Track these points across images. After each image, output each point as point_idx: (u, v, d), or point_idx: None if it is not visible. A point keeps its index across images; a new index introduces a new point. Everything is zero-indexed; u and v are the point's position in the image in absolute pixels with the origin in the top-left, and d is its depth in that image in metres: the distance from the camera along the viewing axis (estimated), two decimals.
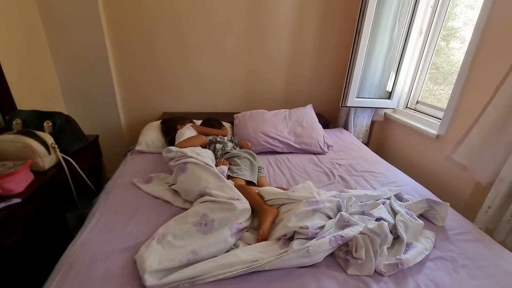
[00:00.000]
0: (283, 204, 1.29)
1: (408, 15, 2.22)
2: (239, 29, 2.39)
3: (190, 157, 1.49)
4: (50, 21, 2.03)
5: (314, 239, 1.07)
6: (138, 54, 2.36)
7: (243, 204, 1.25)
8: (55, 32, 2.07)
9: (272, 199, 1.30)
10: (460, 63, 2.25)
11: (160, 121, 2.14)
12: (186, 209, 1.34)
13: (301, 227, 1.10)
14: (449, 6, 2.12)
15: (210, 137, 1.89)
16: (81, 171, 1.64)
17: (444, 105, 2.27)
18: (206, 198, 1.29)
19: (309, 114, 2.34)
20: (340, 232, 1.07)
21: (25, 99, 1.82)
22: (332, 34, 2.53)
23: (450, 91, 2.38)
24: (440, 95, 2.42)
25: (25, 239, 1.24)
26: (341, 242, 1.04)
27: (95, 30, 2.11)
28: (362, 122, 2.63)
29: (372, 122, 2.70)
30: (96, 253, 1.05)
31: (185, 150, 1.54)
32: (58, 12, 2.01)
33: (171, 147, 1.60)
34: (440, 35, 2.20)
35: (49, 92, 2.15)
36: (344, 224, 1.16)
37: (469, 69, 1.75)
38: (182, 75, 2.48)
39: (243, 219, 1.20)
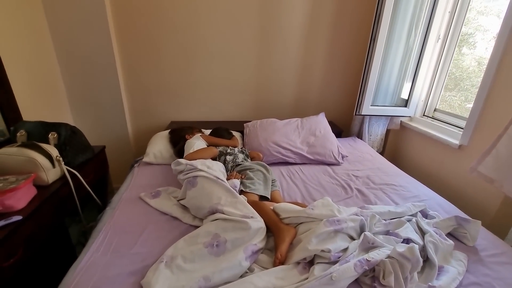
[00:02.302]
0: (301, 223, 1.19)
1: (425, 20, 2.14)
2: (249, 36, 2.34)
3: (201, 170, 1.41)
4: (58, 30, 2.00)
5: (337, 263, 0.97)
6: (146, 63, 2.31)
7: (258, 223, 1.16)
8: (62, 41, 2.04)
9: (289, 217, 1.21)
10: (470, 69, 2.19)
11: (168, 131, 2.07)
12: (196, 227, 1.26)
13: (322, 250, 1.00)
14: (467, 12, 2.03)
15: (220, 148, 1.81)
16: (86, 185, 1.58)
17: (457, 111, 2.19)
18: (217, 215, 1.20)
19: (322, 123, 2.25)
20: (366, 256, 0.97)
21: (31, 109, 1.78)
22: (344, 40, 2.46)
23: (463, 98, 2.31)
24: (453, 101, 2.33)
25: (27, 259, 1.17)
26: (367, 268, 0.94)
27: (103, 39, 2.07)
28: (377, 130, 2.53)
29: (387, 131, 2.60)
30: (100, 278, 0.97)
31: (195, 162, 1.47)
32: (65, 20, 1.98)
33: (180, 160, 1.52)
34: (459, 40, 2.11)
35: (56, 102, 2.11)
36: (369, 246, 1.06)
37: (494, 75, 1.64)
38: (190, 83, 2.43)
39: (258, 240, 1.11)
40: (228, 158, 1.74)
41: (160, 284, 0.91)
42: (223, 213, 1.21)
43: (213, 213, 1.24)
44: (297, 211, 1.21)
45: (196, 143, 1.75)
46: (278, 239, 1.13)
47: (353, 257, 1.00)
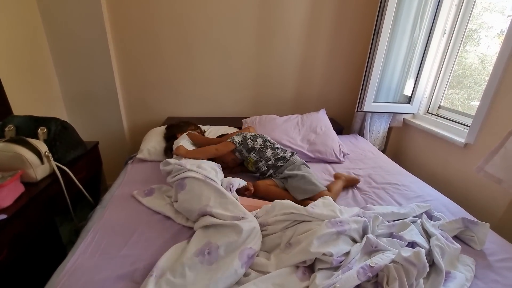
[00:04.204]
0: (301, 222, 1.13)
1: (430, 13, 2.06)
2: (248, 30, 2.26)
3: (189, 170, 1.34)
4: (51, 22, 1.93)
5: (340, 271, 0.91)
6: (142, 57, 2.24)
7: (250, 223, 1.09)
8: (56, 33, 1.97)
9: (291, 213, 1.15)
10: (473, 66, 2.13)
11: (165, 126, 2.01)
12: (190, 227, 1.20)
13: (324, 254, 0.94)
14: (474, 6, 1.97)
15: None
16: (77, 181, 1.52)
17: (459, 109, 2.13)
18: (206, 220, 1.13)
19: (322, 119, 2.19)
20: (369, 262, 0.91)
21: (22, 103, 1.72)
22: (346, 34, 2.38)
23: (466, 95, 2.25)
24: (455, 99, 2.27)
25: (13, 260, 1.11)
26: (371, 275, 0.88)
27: (98, 32, 2.01)
28: (379, 128, 2.46)
29: (389, 128, 2.53)
30: (86, 282, 0.91)
31: (184, 162, 1.39)
32: (59, 12, 1.91)
33: (169, 159, 1.44)
34: (465, 35, 2.04)
35: (49, 96, 2.05)
36: (372, 249, 1.01)
37: (503, 71, 1.58)
38: (187, 78, 2.36)
39: (253, 242, 1.05)
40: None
41: None
42: (212, 215, 1.14)
43: (203, 215, 1.18)
44: (298, 208, 1.15)
45: (181, 142, 1.67)
46: None
47: (355, 262, 0.94)
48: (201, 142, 1.74)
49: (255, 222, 1.14)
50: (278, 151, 1.66)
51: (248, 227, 1.08)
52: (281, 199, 1.25)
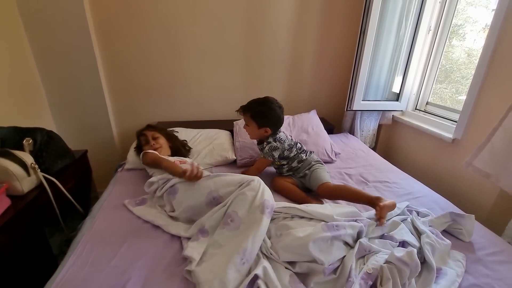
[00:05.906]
0: (293, 216, 1.15)
1: (415, 11, 2.08)
2: (236, 31, 2.25)
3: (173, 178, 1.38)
4: (33, 27, 1.87)
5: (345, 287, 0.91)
6: (129, 61, 2.21)
7: (255, 182, 1.20)
8: (39, 40, 1.91)
9: (285, 207, 1.18)
10: (460, 61, 2.16)
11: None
12: (179, 236, 1.19)
13: (315, 262, 0.94)
14: (457, 2, 1.99)
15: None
16: (66, 192, 1.49)
17: (448, 104, 2.16)
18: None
19: (313, 120, 2.19)
20: (366, 268, 0.92)
21: (6, 114, 1.67)
22: (333, 34, 2.39)
23: (454, 90, 2.29)
24: (443, 93, 2.30)
25: (1, 273, 1.09)
26: (371, 282, 0.89)
27: (83, 37, 1.95)
28: (369, 126, 2.48)
29: (379, 126, 2.55)
30: None
31: (166, 175, 1.42)
32: (41, 17, 1.85)
33: (152, 179, 1.44)
34: (450, 31, 2.07)
35: (35, 105, 2.00)
36: (365, 253, 1.01)
37: (487, 66, 1.60)
38: (176, 82, 2.34)
39: (266, 194, 1.16)
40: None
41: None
42: (221, 197, 1.22)
43: (211, 202, 1.23)
44: (290, 204, 1.21)
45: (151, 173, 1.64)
46: None
47: (353, 269, 0.94)
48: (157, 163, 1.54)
49: (257, 179, 1.23)
50: (301, 156, 1.69)
51: (254, 183, 1.19)
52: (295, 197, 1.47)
